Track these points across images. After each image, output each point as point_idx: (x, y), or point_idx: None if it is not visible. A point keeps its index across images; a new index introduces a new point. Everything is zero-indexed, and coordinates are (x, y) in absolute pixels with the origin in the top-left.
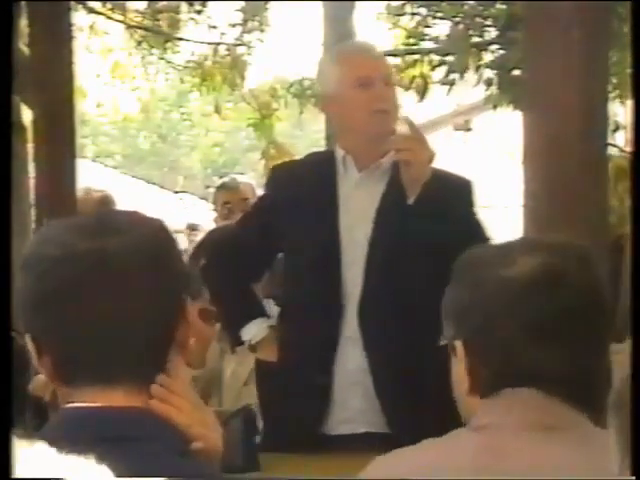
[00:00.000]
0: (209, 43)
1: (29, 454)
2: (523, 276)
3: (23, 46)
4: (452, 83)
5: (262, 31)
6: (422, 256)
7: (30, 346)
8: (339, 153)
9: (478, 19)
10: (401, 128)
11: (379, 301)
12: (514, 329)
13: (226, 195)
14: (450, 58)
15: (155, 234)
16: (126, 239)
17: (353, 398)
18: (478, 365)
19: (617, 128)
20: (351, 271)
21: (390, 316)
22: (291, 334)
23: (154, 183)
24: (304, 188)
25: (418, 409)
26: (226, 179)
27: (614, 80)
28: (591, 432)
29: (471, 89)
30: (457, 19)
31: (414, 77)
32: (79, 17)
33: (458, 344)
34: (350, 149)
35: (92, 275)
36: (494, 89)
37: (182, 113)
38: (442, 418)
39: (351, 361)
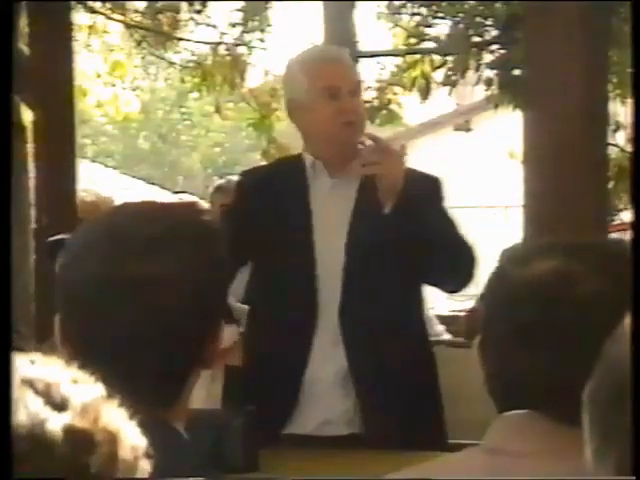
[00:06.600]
0: (209, 43)
1: None
2: (530, 277)
3: (23, 46)
4: (454, 84)
5: (262, 31)
6: (398, 261)
7: (56, 327)
8: (308, 159)
9: (478, 19)
10: (368, 142)
11: (359, 306)
12: (508, 331)
13: (223, 197)
14: (451, 58)
15: (207, 260)
16: (175, 265)
17: (333, 400)
18: (484, 367)
19: (617, 128)
20: (327, 275)
21: (371, 320)
22: (262, 340)
23: (154, 183)
24: (274, 193)
25: (399, 411)
26: (222, 181)
27: (614, 80)
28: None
29: (471, 89)
30: (457, 19)
31: (415, 78)
32: (79, 17)
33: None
34: (319, 156)
35: (132, 296)
36: (495, 89)
37: (182, 113)
38: (422, 420)
39: (330, 365)
